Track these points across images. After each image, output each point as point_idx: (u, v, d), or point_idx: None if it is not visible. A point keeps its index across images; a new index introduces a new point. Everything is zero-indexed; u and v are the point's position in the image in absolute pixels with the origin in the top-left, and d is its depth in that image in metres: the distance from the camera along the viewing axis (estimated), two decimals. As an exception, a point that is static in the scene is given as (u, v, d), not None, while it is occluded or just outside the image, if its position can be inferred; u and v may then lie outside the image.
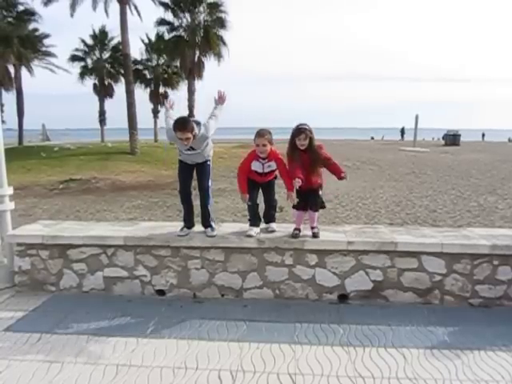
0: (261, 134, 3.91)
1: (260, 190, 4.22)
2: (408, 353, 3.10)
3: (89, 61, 37.31)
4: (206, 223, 4.22)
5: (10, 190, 4.55)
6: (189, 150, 3.97)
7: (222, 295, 4.07)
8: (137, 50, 36.81)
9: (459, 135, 37.37)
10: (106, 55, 37.71)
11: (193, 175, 4.23)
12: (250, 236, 3.97)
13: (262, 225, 4.24)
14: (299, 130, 3.88)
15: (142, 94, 37.58)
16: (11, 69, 29.63)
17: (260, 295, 4.01)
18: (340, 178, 3.95)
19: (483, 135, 52.76)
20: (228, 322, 3.55)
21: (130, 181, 14.46)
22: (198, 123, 3.92)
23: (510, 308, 3.83)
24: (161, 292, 4.13)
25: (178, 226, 4.35)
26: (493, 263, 3.85)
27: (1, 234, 4.51)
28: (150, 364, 2.97)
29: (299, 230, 4.07)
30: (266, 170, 4.04)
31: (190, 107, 28.45)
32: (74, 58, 36.53)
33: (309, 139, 3.84)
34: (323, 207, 4.13)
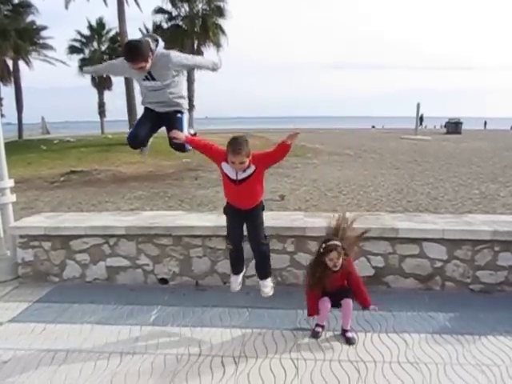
0: (236, 150, 2.88)
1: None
2: (409, 338, 3.12)
3: (87, 52, 37.08)
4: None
5: (10, 183, 4.56)
6: (147, 79, 3.23)
7: (224, 283, 4.10)
8: (135, 41, 36.46)
9: (461, 123, 37.19)
10: (104, 46, 37.45)
11: (157, 125, 3.46)
12: (234, 291, 3.33)
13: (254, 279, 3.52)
14: (330, 248, 3.04)
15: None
16: (9, 62, 29.48)
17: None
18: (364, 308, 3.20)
19: (485, 123, 52.46)
20: (230, 309, 3.58)
21: (131, 172, 14.45)
22: (156, 40, 3.21)
23: (511, 294, 3.85)
24: (163, 280, 4.16)
25: (178, 214, 4.36)
26: (494, 249, 3.86)
27: (3, 227, 4.53)
28: (153, 351, 3.00)
29: (323, 327, 3.21)
30: (241, 177, 3.02)
31: (190, 97, 28.31)
32: (71, 50, 36.26)
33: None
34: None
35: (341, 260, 3.03)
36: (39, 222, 4.45)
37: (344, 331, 3.13)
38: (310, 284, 3.14)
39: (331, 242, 3.06)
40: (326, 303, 3.13)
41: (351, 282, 3.16)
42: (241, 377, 2.68)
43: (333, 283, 3.11)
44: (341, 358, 2.89)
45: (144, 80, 3.24)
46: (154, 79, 3.21)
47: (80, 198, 10.19)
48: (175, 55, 3.23)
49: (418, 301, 3.72)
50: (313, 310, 3.18)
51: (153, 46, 3.11)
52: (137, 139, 3.43)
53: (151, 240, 4.12)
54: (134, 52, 3.02)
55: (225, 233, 4.03)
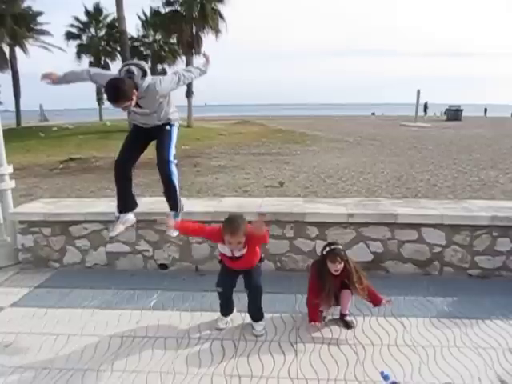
0: (233, 231, 2.76)
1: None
2: (407, 322, 3.16)
3: (84, 38, 36.69)
4: (174, 204, 3.37)
5: (9, 169, 4.55)
6: (137, 106, 3.04)
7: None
8: (133, 27, 36.06)
9: (461, 110, 37.06)
10: (102, 32, 37.04)
11: (145, 144, 3.30)
12: (219, 329, 3.06)
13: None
14: (333, 253, 2.98)
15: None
16: (6, 49, 29.18)
17: (261, 267, 4.04)
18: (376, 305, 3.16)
19: (485, 110, 52.23)
20: (230, 294, 3.60)
21: (130, 159, 14.41)
22: (144, 72, 2.94)
23: (509, 278, 3.88)
24: (163, 266, 4.18)
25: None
26: (492, 235, 3.88)
27: (2, 213, 4.53)
28: (153, 335, 3.03)
29: (321, 312, 3.17)
30: (238, 255, 2.93)
31: (188, 84, 28.12)
32: (68, 36, 35.87)
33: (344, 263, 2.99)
34: None
35: (342, 265, 2.97)
36: (39, 207, 4.45)
37: (342, 315, 3.16)
38: (322, 297, 3.00)
39: (334, 247, 3.00)
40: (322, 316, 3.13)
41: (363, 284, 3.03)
42: (240, 360, 2.71)
43: (334, 290, 3.03)
44: (339, 341, 2.93)
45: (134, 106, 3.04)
46: (141, 107, 3.05)
47: (79, 185, 10.19)
48: (163, 88, 3.01)
49: (417, 286, 3.74)
50: (315, 317, 3.07)
51: (138, 80, 2.89)
52: (125, 166, 3.31)
53: (151, 226, 4.12)
54: (116, 94, 2.80)
55: (224, 217, 4.05)
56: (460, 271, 3.96)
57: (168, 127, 3.27)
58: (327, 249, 3.02)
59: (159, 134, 3.22)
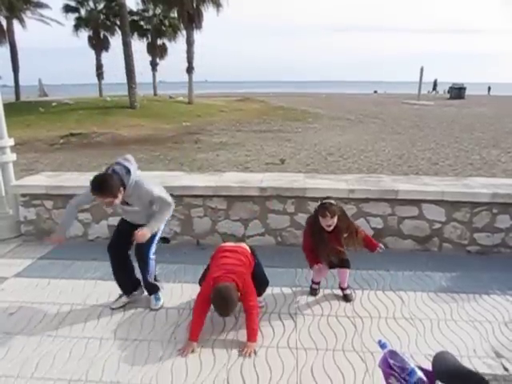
0: (224, 314, 2.63)
1: None
2: (405, 295, 3.21)
3: (83, 12, 35.91)
4: (149, 291, 3.15)
5: (10, 142, 4.53)
6: (125, 203, 2.95)
7: (225, 242, 4.15)
8: (133, 1, 35.29)
9: (464, 88, 36.63)
10: (101, 6, 36.22)
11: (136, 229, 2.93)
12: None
13: None
14: (323, 206, 2.93)
15: (138, 47, 36.43)
16: (3, 22, 28.61)
17: (262, 242, 4.09)
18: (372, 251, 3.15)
19: (489, 89, 51.60)
20: (231, 268, 3.64)
21: (131, 135, 14.35)
22: (128, 171, 2.84)
23: (507, 255, 3.92)
24: (165, 239, 4.20)
25: (179, 175, 4.35)
26: (492, 211, 3.90)
27: (4, 186, 4.54)
28: (156, 306, 3.07)
29: (318, 284, 3.27)
30: None
31: (189, 59, 27.69)
32: (67, 9, 35.08)
33: (337, 218, 2.93)
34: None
35: (335, 220, 2.91)
36: (40, 180, 4.46)
37: (342, 289, 3.20)
38: (318, 254, 3.03)
39: (325, 201, 2.96)
40: (322, 271, 3.12)
41: (358, 239, 3.05)
42: (241, 330, 2.75)
43: (328, 245, 2.99)
44: (338, 313, 2.98)
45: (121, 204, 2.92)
46: (129, 205, 2.94)
47: (80, 161, 10.18)
48: (149, 187, 2.88)
49: (416, 261, 3.78)
50: (313, 261, 3.05)
51: (125, 179, 2.79)
52: (117, 251, 3.09)
53: (152, 200, 4.13)
54: (101, 186, 2.72)
55: (225, 193, 4.07)
56: (459, 248, 3.99)
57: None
58: (319, 203, 2.98)
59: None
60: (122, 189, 2.78)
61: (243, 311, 2.73)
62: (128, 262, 3.13)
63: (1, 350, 2.60)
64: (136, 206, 2.93)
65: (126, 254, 3.11)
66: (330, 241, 2.98)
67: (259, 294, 2.89)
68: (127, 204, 2.93)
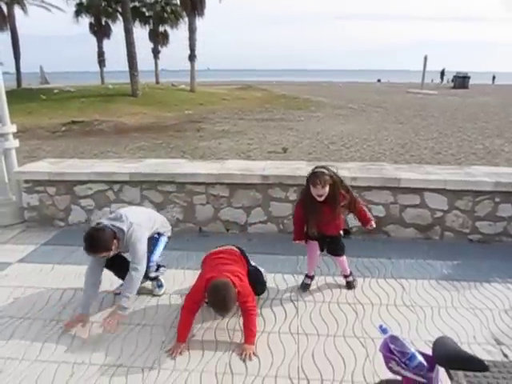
0: (224, 311, 2.54)
1: None
2: (406, 283, 3.22)
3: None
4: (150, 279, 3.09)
5: (13, 128, 4.54)
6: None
7: (227, 230, 4.17)
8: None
9: (468, 77, 36.26)
10: (102, -8, 35.80)
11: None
12: None
13: None
14: (314, 174, 2.76)
15: (140, 34, 36.08)
16: (4, 7, 28.33)
17: (264, 230, 4.11)
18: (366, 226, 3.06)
19: (493, 78, 51.09)
20: (233, 254, 3.65)
21: (133, 123, 14.31)
22: (121, 230, 2.75)
23: (509, 244, 3.92)
24: None
25: (181, 162, 4.35)
26: (494, 200, 3.89)
27: (7, 172, 4.55)
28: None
29: (312, 278, 3.18)
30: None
31: (192, 46, 27.48)
32: (68, -5, 34.70)
33: (329, 186, 2.76)
34: (349, 234, 3.27)
35: (326, 190, 2.74)
36: (43, 167, 4.47)
37: (344, 276, 3.21)
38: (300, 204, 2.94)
39: (317, 170, 2.79)
40: (314, 248, 3.05)
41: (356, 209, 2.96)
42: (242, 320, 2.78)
43: (319, 216, 2.86)
44: (339, 300, 3.00)
45: None
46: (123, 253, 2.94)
47: (82, 148, 10.17)
48: (140, 232, 2.80)
49: (417, 249, 3.79)
50: (298, 235, 3.01)
51: (119, 233, 2.73)
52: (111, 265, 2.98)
53: (155, 187, 4.15)
54: (94, 245, 2.67)
55: (228, 181, 4.06)
56: (461, 236, 4.00)
57: (156, 235, 3.11)
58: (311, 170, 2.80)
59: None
60: (115, 241, 2.70)
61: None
62: (123, 259, 3.02)
63: (5, 334, 2.64)
64: (126, 252, 2.88)
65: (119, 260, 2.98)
66: (322, 212, 2.84)
67: (256, 294, 2.81)
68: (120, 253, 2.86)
